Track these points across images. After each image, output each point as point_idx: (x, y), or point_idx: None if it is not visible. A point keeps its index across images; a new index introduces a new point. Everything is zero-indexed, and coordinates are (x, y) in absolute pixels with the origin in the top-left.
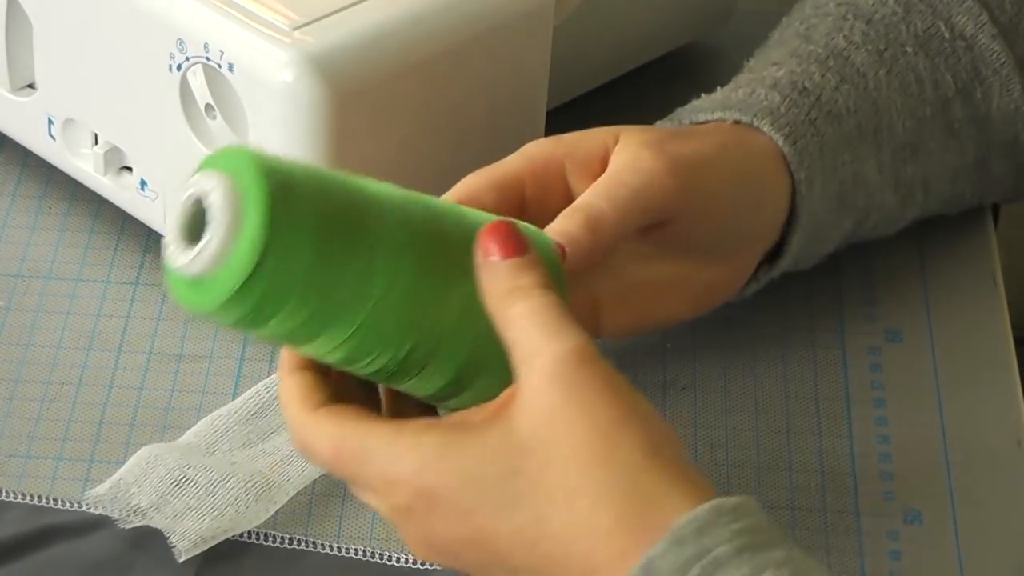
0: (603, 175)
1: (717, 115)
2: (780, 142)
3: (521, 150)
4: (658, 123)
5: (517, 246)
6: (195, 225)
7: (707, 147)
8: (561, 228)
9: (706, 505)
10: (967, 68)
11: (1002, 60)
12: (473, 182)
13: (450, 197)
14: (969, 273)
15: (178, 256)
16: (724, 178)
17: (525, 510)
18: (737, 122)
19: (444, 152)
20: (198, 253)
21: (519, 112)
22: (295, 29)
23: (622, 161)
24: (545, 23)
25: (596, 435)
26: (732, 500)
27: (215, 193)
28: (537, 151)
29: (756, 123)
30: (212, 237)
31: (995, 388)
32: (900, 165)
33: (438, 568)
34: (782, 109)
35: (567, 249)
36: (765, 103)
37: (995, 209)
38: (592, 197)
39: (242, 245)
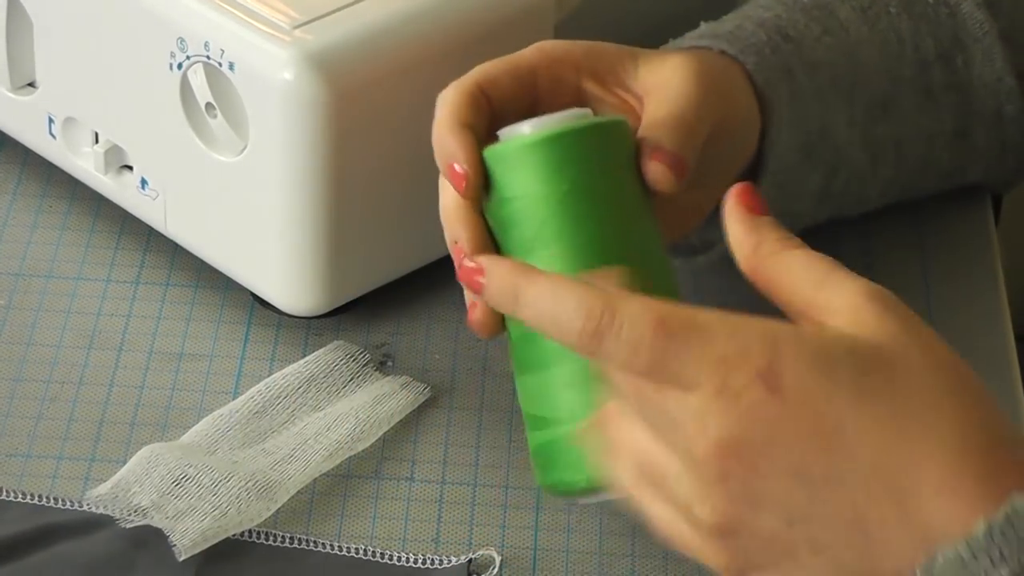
0: (662, 103)
1: (706, 42)
2: (759, 82)
3: (538, 45)
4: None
5: (765, 206)
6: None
7: (715, 70)
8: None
9: None
10: (948, 34)
11: (984, 29)
12: (491, 68)
13: (469, 78)
14: (970, 270)
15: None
16: (733, 98)
17: (882, 406)
18: (723, 52)
19: None
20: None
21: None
22: (295, 28)
23: (672, 86)
24: (545, 21)
25: (951, 355)
26: None
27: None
28: (553, 48)
29: (742, 58)
30: (576, 112)
31: (996, 385)
32: (871, 123)
33: (442, 568)
34: (767, 51)
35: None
36: (752, 40)
37: (996, 206)
38: (669, 128)
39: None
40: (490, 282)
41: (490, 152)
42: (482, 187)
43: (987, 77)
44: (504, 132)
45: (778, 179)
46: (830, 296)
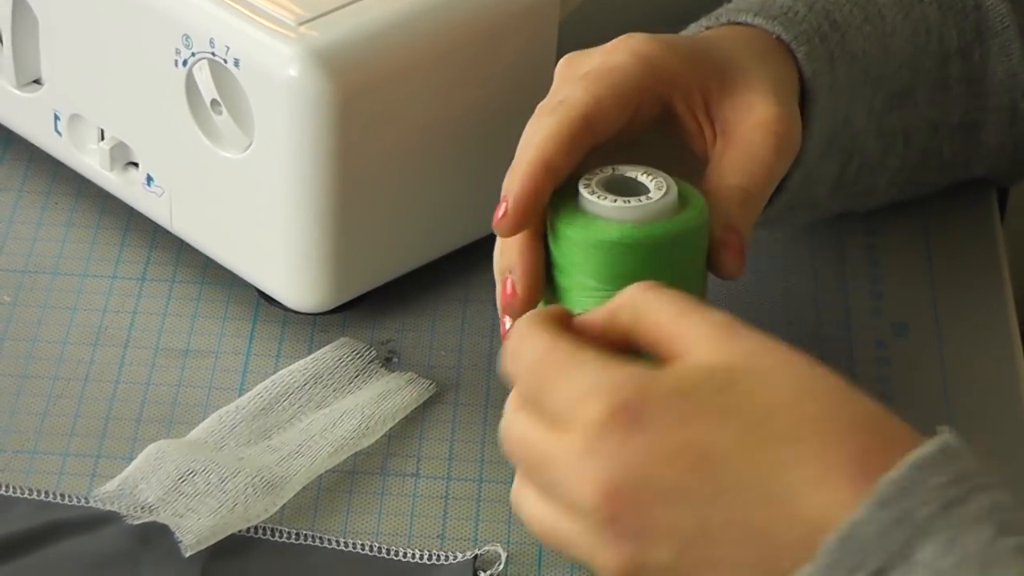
0: (740, 166)
1: (759, 21)
2: (807, 74)
3: (635, 50)
4: (700, 21)
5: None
6: (617, 187)
7: (779, 76)
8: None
9: (907, 462)
10: (972, 26)
11: (1005, 23)
12: (600, 94)
13: (576, 111)
14: (975, 266)
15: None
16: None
17: (744, 417)
18: (778, 38)
19: (448, 147)
20: (648, 204)
21: (524, 108)
22: (301, 24)
23: (755, 145)
24: (550, 19)
25: (805, 359)
26: (931, 448)
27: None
28: (652, 58)
29: (795, 46)
30: (665, 198)
31: (1002, 381)
32: (886, 112)
33: (447, 563)
34: (816, 40)
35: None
36: (803, 27)
37: (1002, 202)
38: (741, 180)
39: (687, 213)
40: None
41: (565, 218)
42: (537, 292)
43: (1002, 72)
44: (583, 196)
45: (806, 170)
46: (682, 329)
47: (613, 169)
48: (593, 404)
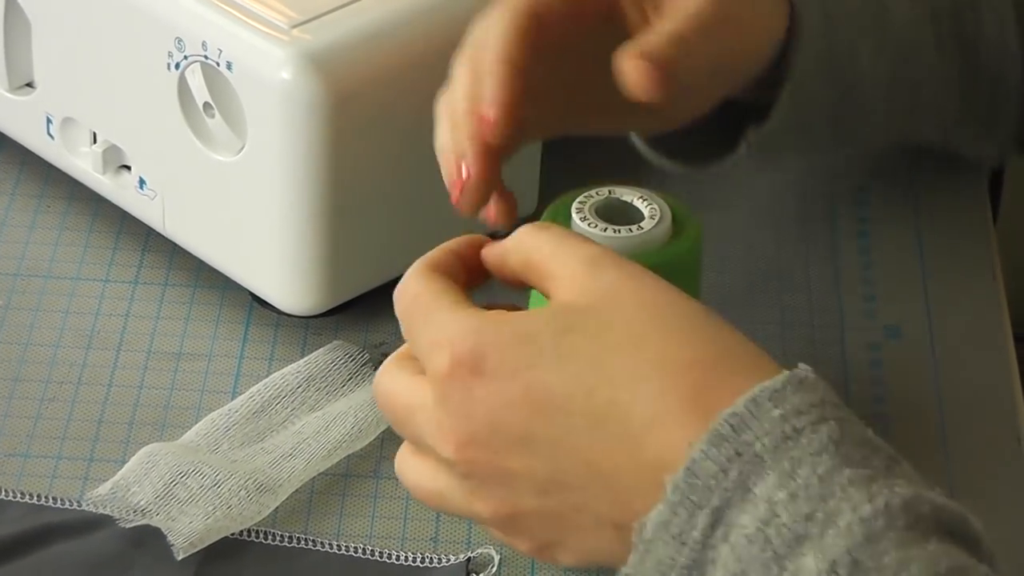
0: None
1: None
2: None
3: None
4: None
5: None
6: (610, 212)
7: None
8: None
9: (746, 395)
10: None
11: None
12: None
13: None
14: (968, 269)
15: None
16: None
17: (583, 359)
18: None
19: None
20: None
21: None
22: (293, 27)
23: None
24: None
25: (663, 295)
26: (775, 382)
27: (664, 207)
28: None
29: None
30: (657, 227)
31: (994, 385)
32: (900, 62)
33: (440, 566)
34: None
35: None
36: None
37: (994, 204)
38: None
39: (678, 244)
40: None
41: None
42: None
43: (993, 39)
44: (575, 223)
45: (797, 86)
46: (554, 267)
47: (609, 192)
48: (439, 354)
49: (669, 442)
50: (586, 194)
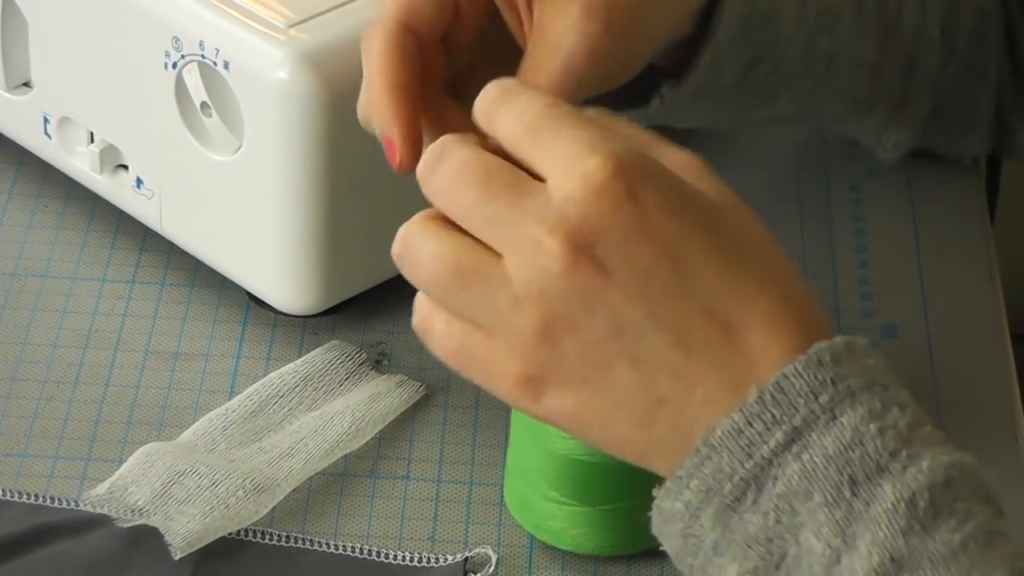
0: (546, 58)
1: None
2: None
3: None
4: None
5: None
6: None
7: None
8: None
9: (844, 337)
10: None
11: None
12: None
13: (391, 19)
14: (966, 268)
15: None
16: None
17: (728, 237)
18: None
19: None
20: None
21: None
22: (290, 27)
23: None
24: None
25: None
26: (863, 340)
27: None
28: None
29: None
30: None
31: (992, 384)
32: (818, 31)
33: (438, 566)
34: None
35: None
36: None
37: (991, 203)
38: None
39: None
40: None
41: None
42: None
43: (914, 21)
44: None
45: (715, 52)
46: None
47: None
48: (595, 159)
49: (770, 345)
50: None
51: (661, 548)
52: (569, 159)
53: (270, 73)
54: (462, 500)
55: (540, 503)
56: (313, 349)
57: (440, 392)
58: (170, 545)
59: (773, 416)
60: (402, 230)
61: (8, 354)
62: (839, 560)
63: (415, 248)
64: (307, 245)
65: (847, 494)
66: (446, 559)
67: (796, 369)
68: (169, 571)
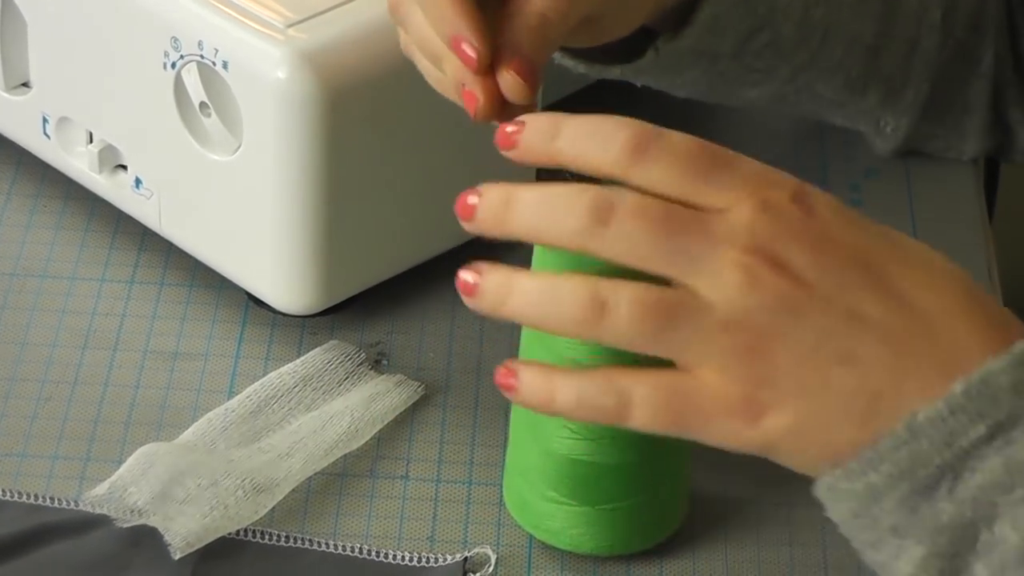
0: None
1: None
2: None
3: None
4: None
5: None
6: None
7: None
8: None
9: None
10: None
11: None
12: None
13: None
14: (964, 268)
15: None
16: None
17: (900, 242)
18: None
19: (436, 149)
20: None
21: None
22: (289, 26)
23: None
24: None
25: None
26: None
27: None
28: None
29: None
30: None
31: None
32: (814, 5)
33: (437, 566)
34: None
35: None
36: None
37: (990, 203)
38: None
39: None
40: (530, 127)
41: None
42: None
43: (916, 3)
44: None
45: (715, 11)
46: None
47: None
48: (774, 184)
49: (970, 338)
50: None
51: (659, 547)
52: (742, 188)
53: (269, 73)
54: (461, 500)
55: (539, 503)
56: (312, 349)
57: (439, 392)
58: (169, 545)
59: (978, 409)
60: (563, 291)
61: (7, 354)
62: None
63: (608, 301)
64: (306, 245)
65: None
66: (445, 559)
67: (1001, 366)
68: (169, 571)
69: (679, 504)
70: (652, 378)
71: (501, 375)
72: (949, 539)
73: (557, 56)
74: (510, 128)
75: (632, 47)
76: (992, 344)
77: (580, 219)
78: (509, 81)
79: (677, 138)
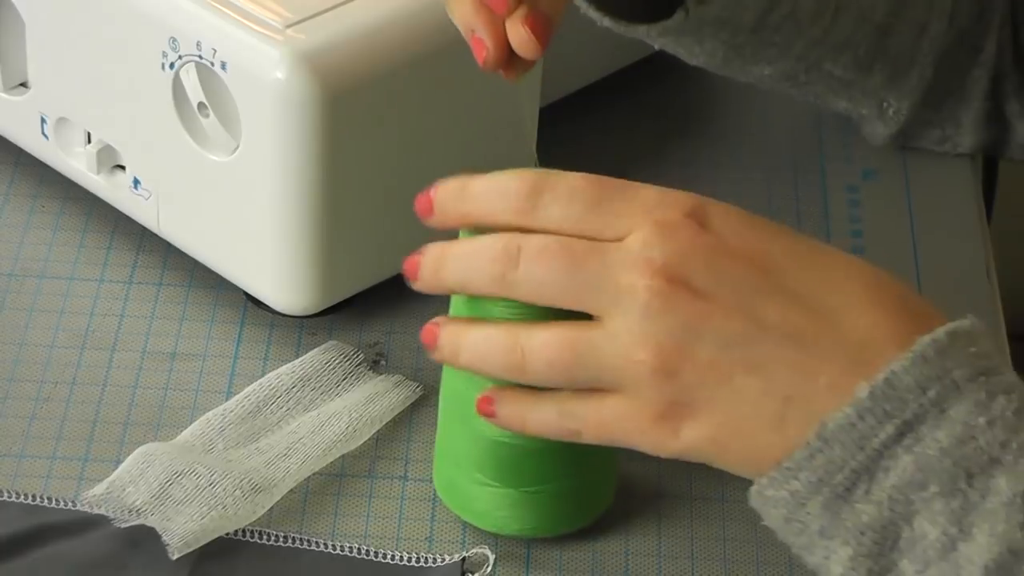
0: None
1: None
2: None
3: None
4: None
5: None
6: None
7: None
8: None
9: (945, 327)
10: None
11: None
12: None
13: None
14: (963, 268)
15: None
16: None
17: (801, 238)
18: None
19: (436, 150)
20: None
21: (512, 110)
22: (288, 27)
23: None
24: None
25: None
26: (965, 324)
27: None
28: None
29: None
30: None
31: None
32: None
33: (435, 566)
34: None
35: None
36: None
37: (988, 203)
38: None
39: None
40: (441, 193)
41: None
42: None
43: None
44: None
45: None
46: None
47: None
48: (668, 206)
49: (874, 329)
50: None
51: (591, 528)
52: (635, 215)
53: (267, 73)
54: None
55: (467, 486)
56: (310, 349)
57: (437, 392)
58: (168, 545)
59: (884, 411)
60: (493, 342)
61: (5, 355)
62: (955, 547)
63: (521, 345)
64: (304, 245)
65: (962, 485)
66: (444, 559)
67: (904, 365)
68: (167, 571)
69: (607, 486)
70: (585, 404)
71: (483, 402)
72: (872, 539)
73: (583, 6)
74: (426, 195)
75: (657, 11)
76: (900, 335)
77: (495, 266)
78: (522, 35)
79: (571, 177)
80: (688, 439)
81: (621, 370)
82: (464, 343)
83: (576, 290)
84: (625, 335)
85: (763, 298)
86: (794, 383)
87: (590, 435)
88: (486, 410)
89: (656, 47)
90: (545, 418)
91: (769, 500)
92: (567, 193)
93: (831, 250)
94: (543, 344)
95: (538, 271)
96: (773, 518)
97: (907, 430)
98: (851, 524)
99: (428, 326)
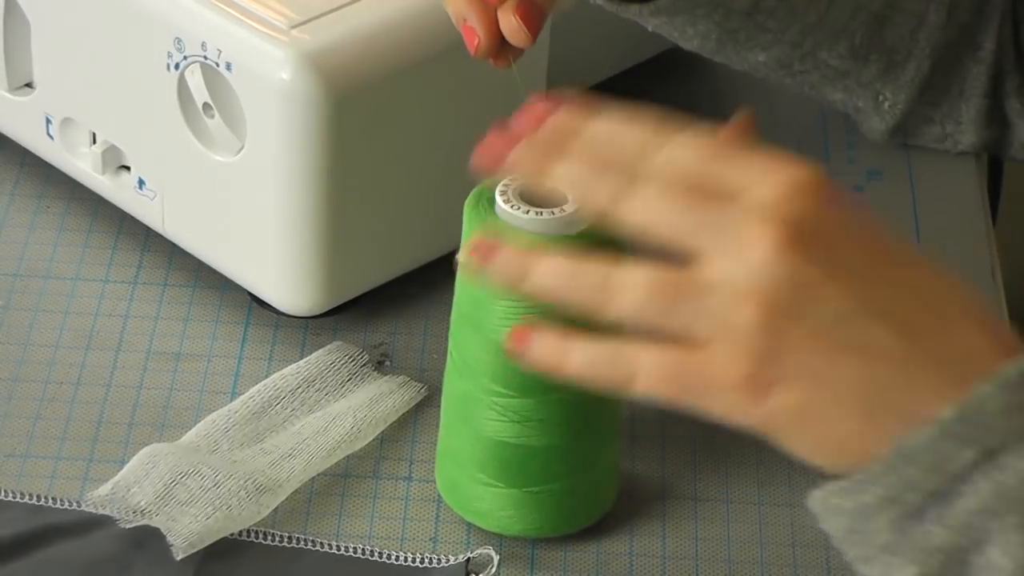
0: None
1: None
2: None
3: None
4: None
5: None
6: (533, 196)
7: None
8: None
9: None
10: None
11: None
12: None
13: None
14: (968, 268)
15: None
16: None
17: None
18: None
19: (441, 150)
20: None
21: (515, 111)
22: (293, 28)
23: None
24: None
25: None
26: None
27: None
28: None
29: None
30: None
31: None
32: None
33: (440, 567)
34: None
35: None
36: None
37: (993, 204)
38: None
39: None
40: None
41: (479, 229)
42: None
43: None
44: (498, 206)
45: None
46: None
47: None
48: (794, 168)
49: (975, 351)
50: (510, 179)
51: (595, 528)
52: (768, 170)
53: (272, 74)
54: None
55: (469, 485)
56: (315, 350)
57: (441, 393)
58: (172, 546)
59: (968, 435)
60: (586, 276)
61: (10, 355)
62: None
63: (614, 281)
64: (309, 246)
65: None
66: (448, 560)
67: (992, 390)
68: (171, 572)
69: (610, 486)
70: (659, 349)
71: (515, 336)
72: (940, 561)
73: None
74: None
75: None
76: (1000, 353)
77: (611, 186)
78: (512, 24)
79: (694, 130)
80: (772, 407)
81: (723, 318)
82: (542, 267)
83: (691, 229)
84: (737, 284)
85: (885, 286)
86: (895, 376)
87: (648, 384)
88: (518, 345)
89: (650, 28)
90: (593, 359)
91: (833, 507)
92: (693, 139)
93: (940, 263)
94: (643, 281)
95: (656, 203)
96: (834, 526)
97: (989, 457)
98: (920, 544)
99: (481, 242)
